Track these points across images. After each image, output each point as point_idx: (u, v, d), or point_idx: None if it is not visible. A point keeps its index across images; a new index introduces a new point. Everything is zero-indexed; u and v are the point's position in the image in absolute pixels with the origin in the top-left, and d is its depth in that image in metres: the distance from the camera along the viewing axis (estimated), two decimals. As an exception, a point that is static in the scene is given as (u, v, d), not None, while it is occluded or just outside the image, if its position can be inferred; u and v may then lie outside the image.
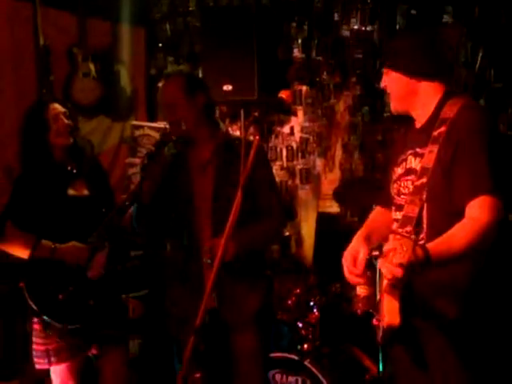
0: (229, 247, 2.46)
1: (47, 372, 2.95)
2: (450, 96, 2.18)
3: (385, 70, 2.26)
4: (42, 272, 2.82)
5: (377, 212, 2.47)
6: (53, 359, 2.83)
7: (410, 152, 2.23)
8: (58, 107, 2.93)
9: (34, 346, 2.87)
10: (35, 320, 2.85)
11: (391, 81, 2.23)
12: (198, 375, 2.46)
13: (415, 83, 2.19)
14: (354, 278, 2.21)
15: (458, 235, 1.98)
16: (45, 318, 2.78)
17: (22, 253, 2.82)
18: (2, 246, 2.86)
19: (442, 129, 2.11)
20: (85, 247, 2.83)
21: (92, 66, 4.41)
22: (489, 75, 3.66)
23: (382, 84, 2.28)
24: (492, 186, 2.02)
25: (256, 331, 2.74)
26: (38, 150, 2.90)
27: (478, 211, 2.01)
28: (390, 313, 2.07)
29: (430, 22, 3.84)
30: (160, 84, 2.80)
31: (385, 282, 2.08)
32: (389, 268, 1.87)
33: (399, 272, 1.85)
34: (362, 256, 2.19)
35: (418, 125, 2.25)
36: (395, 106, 2.27)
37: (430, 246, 1.96)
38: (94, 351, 3.01)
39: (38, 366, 2.89)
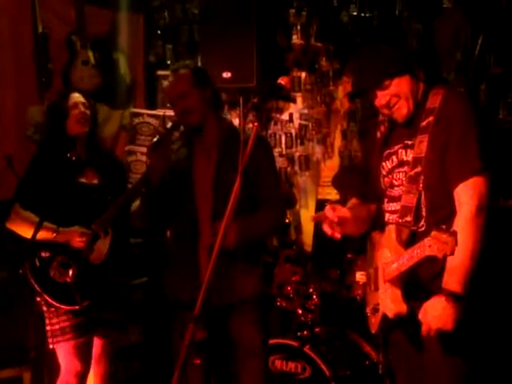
0: (231, 236, 2.50)
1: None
2: (431, 86, 2.23)
3: (385, 85, 2.19)
4: (43, 253, 2.94)
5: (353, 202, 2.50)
6: (59, 338, 2.94)
7: (398, 146, 2.28)
8: (78, 96, 3.09)
9: (48, 327, 2.97)
10: (41, 302, 2.94)
11: (398, 87, 2.20)
12: (197, 361, 2.48)
13: (411, 76, 2.22)
14: (330, 231, 2.25)
15: (464, 228, 2.02)
16: (46, 297, 2.90)
17: (26, 233, 2.91)
18: (9, 225, 3.01)
19: (430, 118, 2.17)
20: (87, 232, 2.95)
21: (91, 54, 4.40)
22: (489, 60, 3.65)
23: (384, 100, 2.21)
24: (479, 167, 2.08)
25: (255, 316, 2.77)
26: (55, 136, 3.05)
27: (466, 196, 2.07)
28: (394, 302, 2.11)
29: (429, 8, 3.83)
30: (169, 78, 2.89)
31: (389, 271, 2.11)
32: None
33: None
34: (342, 209, 2.27)
35: (402, 119, 2.27)
36: (409, 110, 2.22)
37: (453, 285, 2.05)
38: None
39: (54, 347, 2.99)
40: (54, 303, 2.91)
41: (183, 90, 2.78)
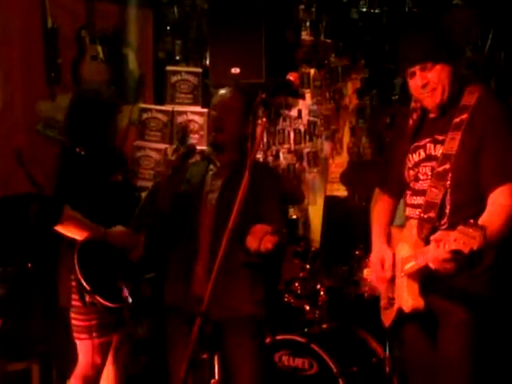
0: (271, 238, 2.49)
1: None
2: (466, 82, 2.21)
3: (427, 66, 2.18)
4: (93, 253, 2.91)
5: (380, 201, 2.48)
6: (94, 334, 2.94)
7: (427, 139, 2.25)
8: None
9: (75, 322, 2.96)
10: (76, 297, 2.92)
11: (439, 74, 2.18)
12: (204, 356, 2.49)
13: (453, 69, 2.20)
14: (380, 283, 2.24)
15: (495, 223, 2.00)
16: (97, 297, 2.86)
17: (77, 235, 2.89)
18: (60, 228, 2.91)
19: (464, 116, 2.15)
20: (131, 231, 2.98)
21: (100, 49, 4.40)
22: (499, 57, 3.63)
23: (422, 82, 2.20)
24: None
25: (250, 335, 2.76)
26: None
27: (505, 198, 2.06)
28: (412, 296, 2.11)
29: (439, 4, 3.81)
30: (224, 91, 2.89)
31: (408, 266, 2.11)
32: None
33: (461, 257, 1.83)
34: (389, 260, 2.23)
35: (434, 113, 2.26)
36: (442, 100, 2.22)
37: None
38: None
39: (78, 342, 2.98)
40: (102, 301, 2.87)
41: (231, 110, 2.78)
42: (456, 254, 1.81)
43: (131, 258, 3.02)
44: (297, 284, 3.70)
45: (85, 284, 2.84)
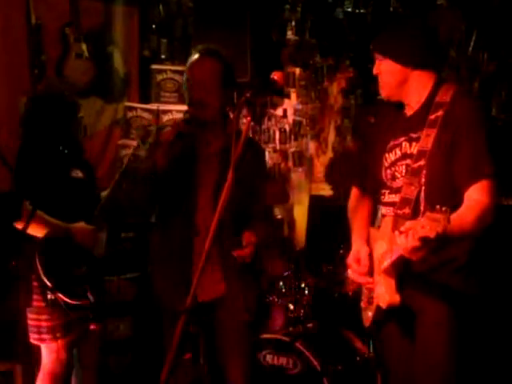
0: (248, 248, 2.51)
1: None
2: (442, 83, 2.23)
3: (379, 57, 2.25)
4: (55, 250, 2.87)
5: (358, 200, 2.49)
6: (58, 334, 2.90)
7: (403, 138, 2.26)
8: None
9: (36, 323, 2.90)
10: (38, 297, 2.87)
11: (385, 69, 2.24)
12: (187, 356, 2.48)
13: (409, 72, 2.22)
14: (361, 278, 2.24)
15: (468, 216, 2.02)
16: (59, 294, 2.82)
17: (38, 232, 2.84)
18: (20, 225, 2.82)
19: (439, 113, 2.15)
20: (92, 228, 2.95)
21: (84, 47, 4.37)
22: (482, 58, 3.65)
23: (375, 71, 2.28)
24: (492, 171, 2.09)
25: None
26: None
27: (479, 194, 2.07)
28: (388, 292, 2.11)
29: (424, 5, 3.83)
30: (197, 58, 2.69)
31: (385, 263, 2.11)
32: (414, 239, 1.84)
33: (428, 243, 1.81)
34: (364, 254, 2.24)
35: (410, 111, 2.27)
36: (387, 93, 2.29)
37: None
38: (92, 327, 3.05)
39: (40, 342, 2.93)
40: (65, 299, 2.83)
41: (209, 83, 2.63)
42: (424, 240, 1.81)
43: (95, 255, 2.98)
44: (281, 283, 3.70)
45: (46, 281, 2.79)
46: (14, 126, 4.06)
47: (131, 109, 4.61)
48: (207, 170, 2.69)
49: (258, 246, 2.66)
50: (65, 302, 2.82)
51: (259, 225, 2.72)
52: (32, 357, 3.24)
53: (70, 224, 2.91)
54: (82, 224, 2.95)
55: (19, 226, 2.80)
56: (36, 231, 2.83)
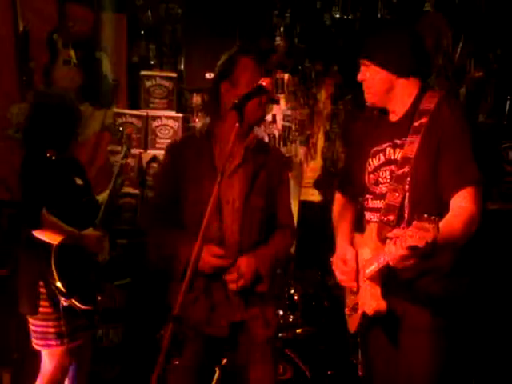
0: (250, 269, 2.45)
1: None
2: (426, 90, 2.24)
3: (365, 63, 2.26)
4: (69, 256, 2.90)
5: (341, 205, 2.49)
6: (65, 340, 2.89)
7: (386, 144, 2.27)
8: None
9: (41, 329, 2.90)
10: (45, 304, 2.87)
11: (371, 75, 2.24)
12: (177, 362, 2.47)
13: (395, 79, 2.23)
14: (347, 280, 2.24)
15: (455, 224, 2.02)
16: (73, 300, 2.84)
17: (53, 239, 2.86)
18: (38, 233, 2.86)
19: (423, 120, 2.16)
20: (100, 234, 3.01)
21: (73, 53, 4.37)
22: (469, 64, 3.68)
23: (361, 77, 2.28)
24: (477, 178, 2.09)
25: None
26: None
27: (465, 201, 2.07)
28: (374, 299, 2.11)
29: (411, 11, 3.86)
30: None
31: (369, 269, 2.11)
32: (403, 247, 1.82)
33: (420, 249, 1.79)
34: (350, 256, 2.24)
35: (395, 118, 2.28)
36: (371, 99, 2.29)
37: None
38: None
39: (47, 348, 2.92)
40: (78, 304, 2.86)
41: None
42: (413, 249, 1.80)
43: (100, 261, 3.04)
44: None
45: (62, 288, 2.81)
46: (2, 133, 4.06)
47: (120, 115, 4.61)
48: (229, 183, 2.54)
49: (265, 269, 2.53)
50: (79, 307, 2.86)
51: (281, 236, 2.64)
52: (25, 364, 3.22)
53: (81, 231, 2.96)
54: (90, 230, 2.99)
55: (37, 233, 2.85)
56: (51, 238, 2.86)
